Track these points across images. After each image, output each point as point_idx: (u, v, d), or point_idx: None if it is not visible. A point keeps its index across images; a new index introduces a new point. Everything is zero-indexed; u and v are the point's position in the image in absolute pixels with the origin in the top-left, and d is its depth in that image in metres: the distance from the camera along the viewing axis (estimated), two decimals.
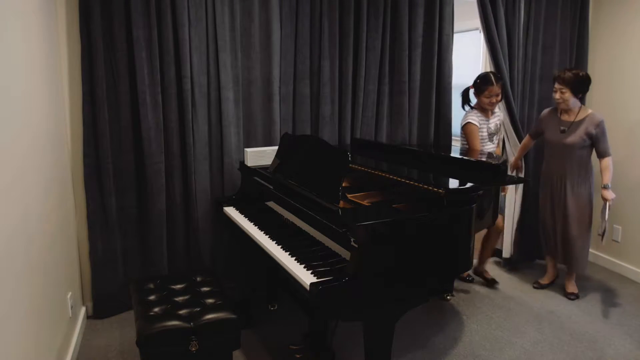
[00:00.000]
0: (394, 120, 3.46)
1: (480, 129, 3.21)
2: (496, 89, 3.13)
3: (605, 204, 3.02)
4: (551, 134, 3.19)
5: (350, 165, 2.59)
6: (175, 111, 2.91)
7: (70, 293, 2.58)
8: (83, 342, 2.71)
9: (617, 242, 3.80)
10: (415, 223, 1.96)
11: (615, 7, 3.76)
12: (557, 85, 3.06)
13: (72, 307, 2.59)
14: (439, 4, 3.34)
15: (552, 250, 3.37)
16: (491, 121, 3.28)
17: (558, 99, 3.08)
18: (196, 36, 2.88)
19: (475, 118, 3.20)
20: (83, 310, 2.92)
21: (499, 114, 3.37)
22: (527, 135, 3.44)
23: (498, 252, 3.94)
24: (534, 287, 3.46)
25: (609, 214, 3.04)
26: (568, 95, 3.03)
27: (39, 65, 2.21)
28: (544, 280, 3.49)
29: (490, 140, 3.29)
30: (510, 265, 3.87)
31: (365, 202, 2.36)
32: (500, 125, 3.36)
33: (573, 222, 3.17)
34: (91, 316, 2.99)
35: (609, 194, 3.01)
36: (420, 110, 3.50)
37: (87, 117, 2.75)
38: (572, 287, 3.36)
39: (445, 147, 3.45)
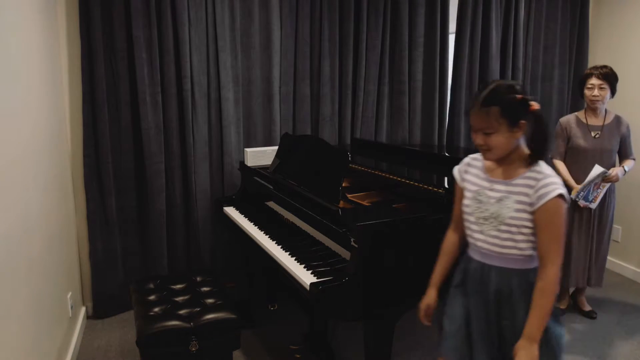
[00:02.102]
0: (394, 120, 3.46)
1: (467, 189, 1.59)
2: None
3: (592, 177, 2.70)
4: (583, 140, 2.85)
5: (350, 165, 2.59)
6: (175, 111, 2.91)
7: (70, 293, 2.58)
8: (83, 342, 2.71)
9: (617, 242, 3.80)
10: (415, 223, 1.96)
11: (615, 7, 3.76)
12: (595, 81, 2.78)
13: (72, 307, 2.59)
14: (440, 3, 3.34)
15: (578, 277, 2.96)
16: (497, 187, 1.50)
17: (597, 96, 2.78)
18: (196, 36, 2.88)
19: (463, 165, 1.65)
20: (83, 310, 2.92)
21: (541, 178, 1.44)
22: (558, 158, 2.94)
23: None
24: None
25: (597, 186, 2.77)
26: (607, 92, 2.79)
27: (38, 65, 2.21)
28: (562, 305, 3.12)
29: (477, 222, 1.54)
30: None
31: (365, 202, 2.36)
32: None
33: (605, 236, 2.92)
34: (91, 316, 2.99)
35: (618, 171, 2.77)
36: (422, 110, 3.49)
37: (87, 117, 2.75)
38: (587, 305, 3.13)
39: (447, 147, 3.45)
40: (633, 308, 3.21)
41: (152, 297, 2.24)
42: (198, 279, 2.44)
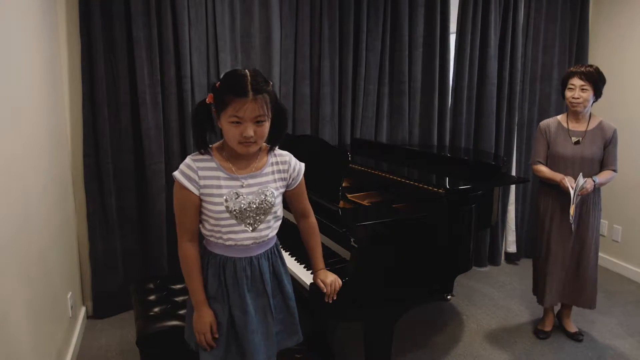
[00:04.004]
0: (394, 120, 3.46)
1: (213, 194, 1.55)
2: None
3: (577, 187, 2.48)
4: (562, 147, 2.61)
5: (350, 165, 2.59)
6: (175, 111, 2.91)
7: (70, 293, 2.58)
8: (83, 342, 2.71)
9: (617, 242, 3.80)
10: (415, 223, 1.96)
11: (615, 7, 3.76)
12: (576, 82, 2.53)
13: (72, 307, 2.59)
14: (439, 4, 3.34)
15: (560, 295, 2.74)
16: None
17: (577, 98, 2.53)
18: (196, 36, 2.87)
19: (191, 171, 1.51)
20: (83, 310, 2.92)
21: None
22: (538, 163, 2.69)
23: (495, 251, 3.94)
24: (541, 338, 2.81)
25: (576, 199, 2.50)
26: (589, 94, 2.52)
27: (38, 65, 2.21)
28: (547, 327, 2.86)
29: (243, 222, 1.56)
30: (513, 260, 3.94)
31: (365, 202, 2.36)
32: None
33: (591, 253, 2.64)
34: (91, 316, 2.99)
35: (588, 184, 2.49)
36: (421, 110, 3.49)
37: (87, 117, 2.75)
38: (574, 326, 2.87)
39: (446, 148, 3.45)
40: (633, 308, 3.21)
41: (152, 297, 2.24)
42: None
